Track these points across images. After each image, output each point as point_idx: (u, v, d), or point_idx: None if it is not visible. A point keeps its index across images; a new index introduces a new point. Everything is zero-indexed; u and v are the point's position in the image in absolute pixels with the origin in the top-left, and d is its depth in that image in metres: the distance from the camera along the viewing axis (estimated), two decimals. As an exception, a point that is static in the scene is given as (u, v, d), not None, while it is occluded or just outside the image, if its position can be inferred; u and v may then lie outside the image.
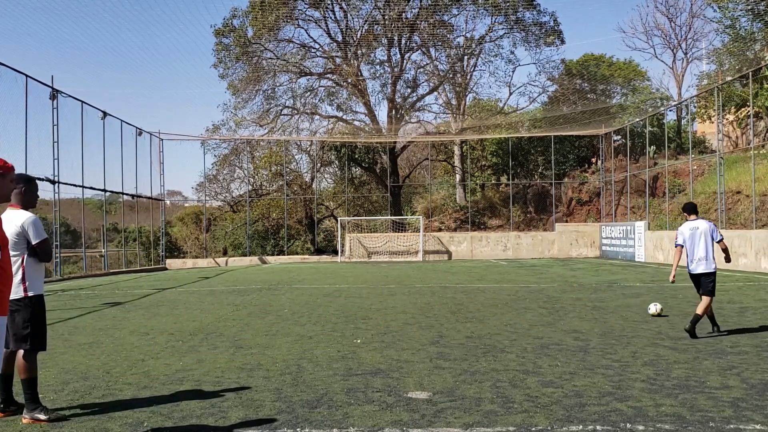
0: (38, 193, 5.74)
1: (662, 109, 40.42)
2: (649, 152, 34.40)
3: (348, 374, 6.64)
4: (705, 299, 8.70)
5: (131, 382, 6.47)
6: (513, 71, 65.67)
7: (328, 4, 39.90)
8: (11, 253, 5.18)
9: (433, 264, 30.35)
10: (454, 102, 43.03)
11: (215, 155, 43.70)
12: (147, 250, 36.98)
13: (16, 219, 5.30)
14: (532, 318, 10.63)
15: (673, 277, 9.27)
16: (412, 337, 8.83)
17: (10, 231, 5.21)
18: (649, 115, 36.12)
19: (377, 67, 42.36)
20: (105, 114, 29.06)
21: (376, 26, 40.39)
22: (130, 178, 32.03)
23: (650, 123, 35.33)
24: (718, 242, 8.84)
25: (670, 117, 41.33)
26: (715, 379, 6.22)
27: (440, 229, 38.53)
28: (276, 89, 42.14)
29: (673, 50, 45.08)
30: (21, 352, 5.31)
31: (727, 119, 33.61)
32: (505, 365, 6.97)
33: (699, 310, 8.62)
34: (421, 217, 38.00)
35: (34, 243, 5.31)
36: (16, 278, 5.24)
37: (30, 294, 5.30)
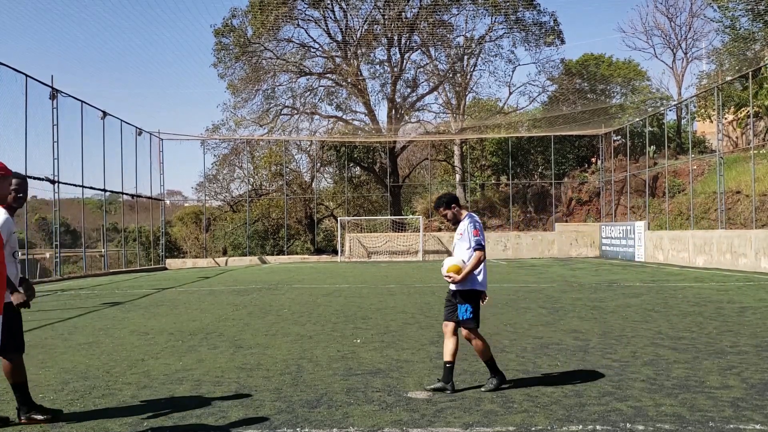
0: (27, 189, 5.23)
1: (662, 108, 40.39)
2: (648, 152, 34.39)
3: (348, 374, 6.64)
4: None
5: (131, 382, 6.47)
6: (513, 71, 65.65)
7: (328, 4, 39.90)
8: None
9: (433, 264, 30.33)
10: (454, 102, 43.02)
11: (215, 155, 43.86)
12: (147, 250, 36.97)
13: None
14: (532, 318, 10.63)
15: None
16: (412, 337, 8.83)
17: None
18: (649, 115, 36.12)
19: (377, 66, 42.44)
20: (105, 114, 29.06)
21: (375, 26, 40.38)
22: (129, 177, 32.08)
23: (650, 123, 35.32)
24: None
25: (670, 117, 41.32)
26: (715, 379, 6.22)
27: (440, 229, 38.51)
28: (276, 89, 42.24)
29: (673, 50, 45.06)
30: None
31: (726, 119, 33.61)
32: (505, 365, 6.96)
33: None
34: (420, 217, 38.01)
35: None
36: None
37: None
